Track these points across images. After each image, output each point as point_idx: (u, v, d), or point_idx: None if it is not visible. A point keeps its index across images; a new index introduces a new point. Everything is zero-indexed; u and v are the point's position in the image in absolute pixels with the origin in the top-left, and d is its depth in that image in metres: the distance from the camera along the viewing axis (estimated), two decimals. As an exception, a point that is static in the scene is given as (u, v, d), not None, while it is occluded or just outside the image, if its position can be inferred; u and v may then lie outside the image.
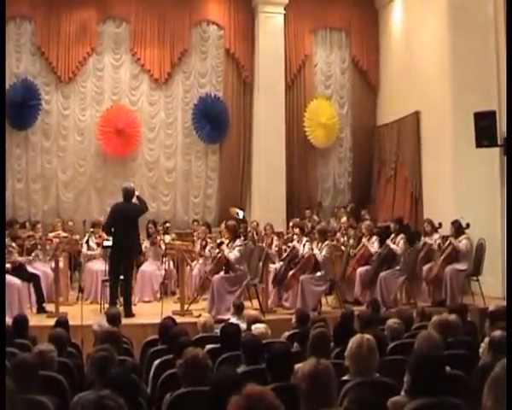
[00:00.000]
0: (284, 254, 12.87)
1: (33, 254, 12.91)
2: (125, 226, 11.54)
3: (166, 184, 17.99)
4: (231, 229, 12.22)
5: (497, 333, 5.78)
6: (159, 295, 13.37)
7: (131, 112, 17.48)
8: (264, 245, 13.27)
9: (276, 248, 13.73)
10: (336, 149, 19.15)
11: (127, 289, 11.78)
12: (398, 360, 5.85)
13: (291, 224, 14.23)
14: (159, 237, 14.04)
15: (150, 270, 13.74)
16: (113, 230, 11.86)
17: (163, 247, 13.67)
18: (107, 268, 12.03)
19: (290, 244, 12.87)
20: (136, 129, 17.40)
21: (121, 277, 11.68)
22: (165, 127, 18.03)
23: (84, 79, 17.37)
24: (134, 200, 11.96)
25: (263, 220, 15.66)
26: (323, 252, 12.01)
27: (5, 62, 15.87)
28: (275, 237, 14.15)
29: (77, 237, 13.87)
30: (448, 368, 5.12)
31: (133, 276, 13.17)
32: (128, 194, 11.92)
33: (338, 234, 14.50)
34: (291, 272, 12.11)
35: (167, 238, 14.42)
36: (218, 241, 12.78)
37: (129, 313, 11.33)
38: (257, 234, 14.91)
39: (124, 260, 11.69)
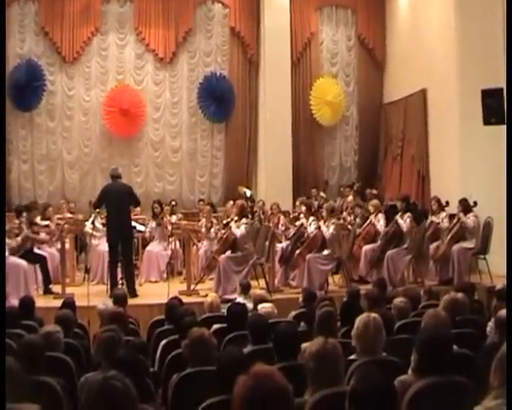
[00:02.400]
0: (291, 233, 12.87)
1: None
2: (118, 205, 11.60)
3: (172, 163, 17.98)
4: (240, 207, 12.21)
5: (503, 312, 5.76)
6: (165, 276, 13.40)
7: (136, 92, 17.43)
8: (270, 224, 13.25)
9: (283, 228, 13.72)
10: (342, 127, 19.10)
11: (128, 269, 11.81)
12: (405, 338, 5.84)
13: (298, 202, 14.20)
14: (165, 218, 14.02)
15: (156, 250, 13.76)
16: (105, 210, 11.96)
17: (169, 227, 13.67)
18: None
19: (297, 223, 12.85)
20: (141, 109, 17.36)
21: (121, 257, 11.72)
22: (171, 107, 18.00)
23: (88, 59, 17.32)
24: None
25: (269, 199, 15.64)
26: (330, 229, 12.02)
27: (5, 46, 15.77)
28: (281, 216, 14.13)
29: (80, 216, 13.91)
30: (455, 347, 5.11)
31: (139, 256, 13.22)
32: (115, 174, 12.03)
33: (344, 213, 14.47)
34: (298, 251, 12.12)
35: (174, 218, 14.43)
36: (225, 222, 12.79)
37: (132, 294, 11.25)
38: (263, 213, 14.90)
39: (121, 239, 11.70)
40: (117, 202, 11.59)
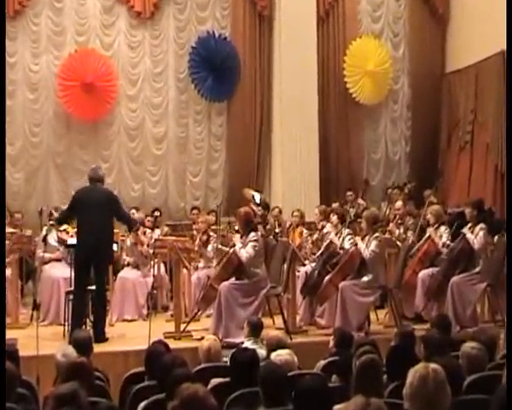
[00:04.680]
0: (318, 252, 12.84)
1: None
2: (95, 218, 11.55)
3: (154, 157, 18.03)
4: (243, 218, 12.14)
5: None
6: (145, 312, 13.43)
7: (104, 59, 17.44)
8: (289, 240, 13.22)
9: (307, 245, 13.71)
10: (389, 106, 19.12)
11: (100, 304, 11.78)
12: (479, 400, 5.79)
13: (316, 210, 14.14)
14: (143, 237, 13.94)
15: (133, 277, 13.75)
16: (76, 223, 11.94)
17: (144, 247, 13.61)
18: (72, 275, 12.00)
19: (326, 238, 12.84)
20: (111, 82, 17.37)
21: (91, 287, 11.69)
22: (152, 79, 18.02)
23: (36, 14, 17.27)
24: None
25: (287, 206, 15.64)
26: (371, 246, 11.94)
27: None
28: (304, 230, 14.10)
29: (29, 232, 13.89)
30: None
31: (109, 285, 13.19)
32: (95, 175, 12.01)
33: (391, 224, 14.39)
34: (327, 277, 12.07)
35: (156, 232, 14.42)
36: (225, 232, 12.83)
37: (101, 338, 11.26)
38: (280, 225, 14.87)
39: (94, 263, 11.68)
40: (94, 213, 11.55)
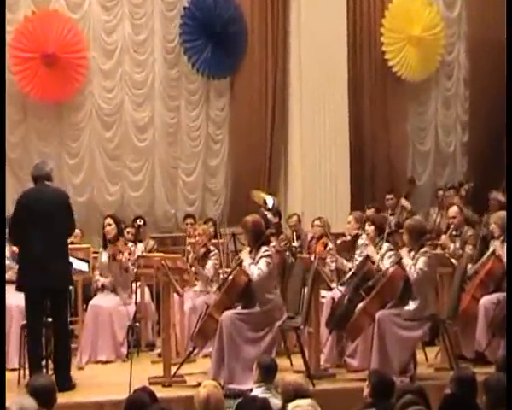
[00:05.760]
0: (348, 273, 12.79)
1: None
2: (46, 226, 11.40)
3: (137, 150, 18.11)
4: (251, 229, 12.08)
5: None
6: (125, 351, 13.36)
7: (71, 23, 17.48)
8: (311, 257, 13.18)
9: (334, 264, 13.65)
10: (440, 82, 19.16)
11: (62, 340, 11.66)
12: None
13: (350, 218, 14.02)
14: (124, 254, 13.87)
15: (109, 305, 13.67)
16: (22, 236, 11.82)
17: (132, 267, 13.58)
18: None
19: (357, 255, 12.77)
20: (79, 54, 17.42)
21: (49, 319, 11.61)
22: (133, 50, 18.07)
23: (-18, -33, 17.38)
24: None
25: (309, 213, 15.60)
26: (419, 264, 11.84)
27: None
28: (329, 243, 14.03)
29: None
30: None
31: (78, 316, 13.14)
32: (41, 172, 11.83)
33: (444, 236, 14.35)
34: (360, 305, 12.01)
35: (140, 247, 14.38)
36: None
37: (65, 385, 11.06)
38: (299, 237, 14.83)
39: (48, 287, 11.51)
40: (44, 219, 11.43)
